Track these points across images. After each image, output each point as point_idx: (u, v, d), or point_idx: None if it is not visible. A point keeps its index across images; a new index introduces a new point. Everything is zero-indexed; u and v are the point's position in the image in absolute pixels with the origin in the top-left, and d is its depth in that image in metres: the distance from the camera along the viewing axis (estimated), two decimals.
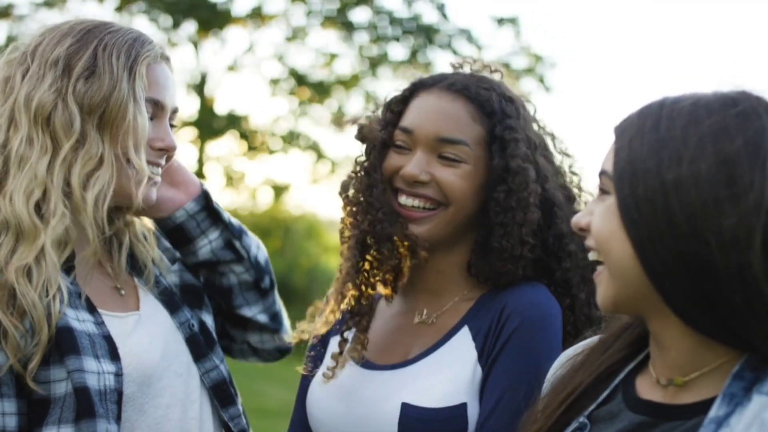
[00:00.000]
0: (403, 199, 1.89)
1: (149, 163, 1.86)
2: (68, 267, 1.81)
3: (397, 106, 1.97)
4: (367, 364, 1.93)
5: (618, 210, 1.38)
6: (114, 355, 1.77)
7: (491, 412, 1.77)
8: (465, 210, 1.88)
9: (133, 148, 1.81)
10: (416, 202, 1.89)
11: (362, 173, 1.98)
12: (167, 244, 2.08)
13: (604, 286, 1.44)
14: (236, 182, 12.48)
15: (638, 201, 1.36)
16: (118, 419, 1.74)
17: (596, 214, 1.43)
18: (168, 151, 1.89)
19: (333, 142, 16.87)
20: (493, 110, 1.90)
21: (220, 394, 1.95)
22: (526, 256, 1.88)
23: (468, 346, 1.85)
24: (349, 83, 11.45)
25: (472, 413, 1.79)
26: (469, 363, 1.83)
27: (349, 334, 1.99)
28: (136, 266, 1.97)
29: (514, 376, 1.77)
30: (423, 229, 1.88)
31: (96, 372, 1.72)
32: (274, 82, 11.60)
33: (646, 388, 1.46)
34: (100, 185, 1.78)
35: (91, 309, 1.81)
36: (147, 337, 1.86)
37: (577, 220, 1.49)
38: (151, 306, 1.93)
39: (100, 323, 1.79)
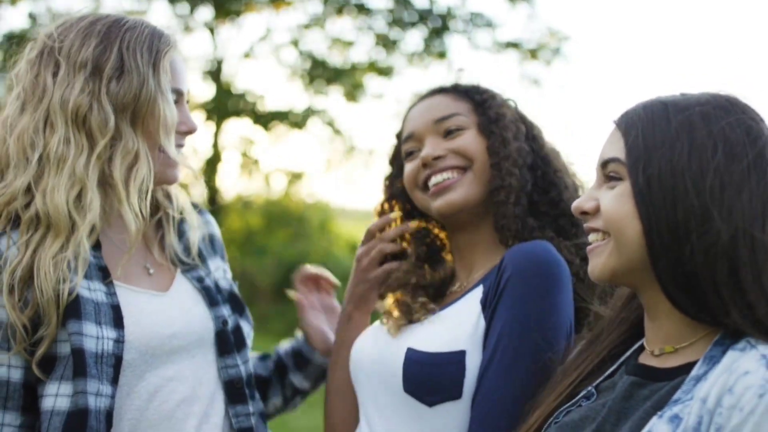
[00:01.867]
0: (433, 179, 2.07)
1: (177, 146, 2.02)
2: (95, 243, 1.93)
3: (400, 130, 2.22)
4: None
5: (633, 193, 1.53)
6: (118, 322, 1.88)
7: (490, 359, 1.84)
8: (485, 164, 2.07)
9: (165, 138, 1.94)
10: (445, 175, 2.07)
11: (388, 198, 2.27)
12: (225, 266, 2.24)
13: (605, 257, 1.59)
14: (251, 168, 12.50)
15: (651, 185, 1.51)
16: (113, 381, 1.85)
17: (607, 198, 1.58)
18: (191, 132, 2.05)
19: (349, 121, 16.89)
20: (467, 88, 2.16)
21: (233, 390, 2.04)
22: (514, 186, 2.05)
23: (476, 300, 1.95)
24: (365, 69, 11.44)
25: (471, 361, 1.88)
26: (473, 314, 1.93)
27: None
28: (182, 252, 2.11)
29: (509, 324, 1.84)
30: (458, 193, 2.06)
31: (95, 336, 1.84)
32: (291, 67, 11.60)
33: (644, 358, 1.63)
34: (141, 177, 1.92)
35: (107, 280, 1.92)
36: (161, 315, 1.96)
37: (580, 204, 1.64)
38: (182, 292, 2.05)
39: (111, 293, 1.91)
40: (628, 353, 1.67)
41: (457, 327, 1.91)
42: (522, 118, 2.17)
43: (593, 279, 1.64)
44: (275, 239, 13.34)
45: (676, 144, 1.51)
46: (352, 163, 12.59)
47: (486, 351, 1.86)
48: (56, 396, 1.82)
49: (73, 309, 1.83)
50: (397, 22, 10.85)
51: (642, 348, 1.65)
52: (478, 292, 1.95)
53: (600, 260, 1.60)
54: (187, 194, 2.20)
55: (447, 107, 2.12)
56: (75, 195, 1.88)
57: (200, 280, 2.08)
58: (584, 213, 1.63)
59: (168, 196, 2.14)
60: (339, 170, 12.78)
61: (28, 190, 1.88)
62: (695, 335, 1.54)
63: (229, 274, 2.23)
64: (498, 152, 2.07)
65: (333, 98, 11.85)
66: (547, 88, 11.30)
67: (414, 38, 10.96)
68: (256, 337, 2.22)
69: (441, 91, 2.17)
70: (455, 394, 1.87)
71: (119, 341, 1.86)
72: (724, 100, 1.55)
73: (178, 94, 2.01)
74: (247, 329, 2.13)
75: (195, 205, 2.22)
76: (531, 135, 2.15)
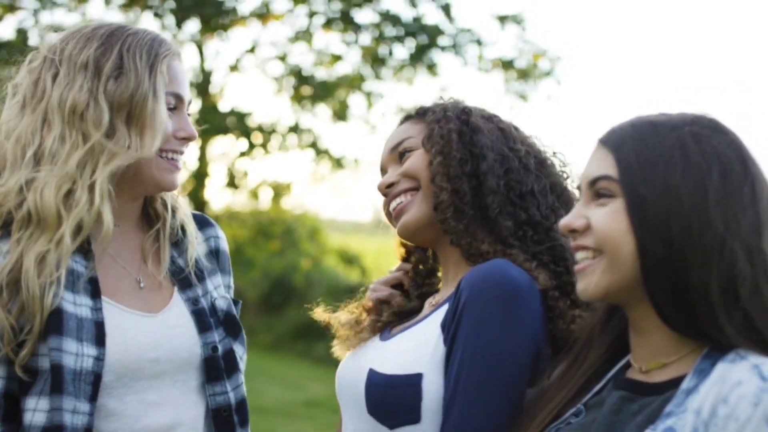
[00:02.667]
0: (391, 206, 2.08)
1: (173, 151, 2.05)
2: (87, 251, 1.95)
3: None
4: (383, 335, 2.07)
5: (627, 210, 1.55)
6: (100, 340, 1.89)
7: (454, 389, 1.79)
8: (430, 181, 2.01)
9: (151, 139, 1.97)
10: (398, 200, 2.06)
11: None
12: (229, 281, 2.23)
13: (598, 276, 1.59)
14: (238, 181, 12.48)
15: (647, 202, 1.53)
16: (91, 399, 1.86)
17: (599, 216, 1.58)
18: (190, 139, 2.06)
19: (335, 139, 16.91)
20: (426, 110, 2.12)
21: (220, 419, 2.04)
22: (445, 200, 1.97)
23: (438, 321, 1.91)
24: (351, 83, 11.45)
25: (428, 385, 1.83)
26: (433, 336, 1.88)
27: None
28: (177, 268, 2.10)
29: (469, 351, 1.78)
30: (409, 214, 2.04)
31: (74, 353, 1.85)
32: (277, 80, 11.61)
33: (631, 374, 1.64)
34: (116, 165, 1.93)
35: (95, 295, 1.92)
36: (146, 338, 1.95)
37: (569, 222, 1.63)
38: (173, 315, 2.03)
39: (97, 309, 1.92)
40: (614, 369, 1.68)
41: (417, 349, 1.88)
42: (483, 121, 2.06)
43: (584, 298, 1.63)
44: (263, 251, 13.32)
45: (671, 162, 1.53)
46: (339, 175, 12.58)
47: (449, 380, 1.81)
48: (34, 411, 1.83)
49: (56, 323, 1.84)
50: (384, 37, 10.88)
51: (628, 363, 1.66)
52: (442, 313, 1.92)
53: (593, 279, 1.59)
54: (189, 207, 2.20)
55: (402, 133, 2.11)
56: (65, 192, 1.90)
57: (195, 301, 2.06)
58: (573, 231, 1.63)
59: (168, 208, 2.14)
60: (325, 183, 12.78)
61: (22, 189, 1.90)
62: (683, 350, 1.56)
63: (232, 291, 2.21)
64: (432, 167, 2.01)
65: (319, 116, 11.82)
66: (535, 100, 11.30)
67: (401, 53, 11.00)
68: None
69: (406, 118, 2.16)
70: (414, 418, 1.83)
71: (99, 359, 1.87)
72: (708, 121, 1.58)
73: (177, 99, 2.04)
74: (241, 352, 2.11)
75: (204, 218, 2.23)
76: (495, 137, 2.04)
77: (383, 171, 2.14)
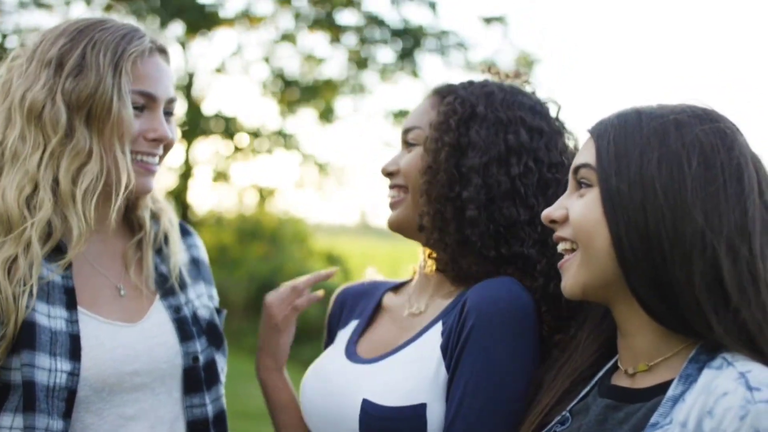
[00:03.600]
0: (388, 194, 1.99)
1: (144, 153, 1.94)
2: (62, 259, 1.85)
3: None
4: (353, 357, 1.95)
5: (601, 200, 1.50)
6: (75, 355, 1.80)
7: (454, 417, 1.72)
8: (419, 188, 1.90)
9: (118, 142, 1.87)
10: (392, 193, 1.97)
11: None
12: (211, 291, 2.16)
13: (574, 272, 1.55)
14: (224, 183, 12.44)
15: (621, 192, 1.47)
16: (65, 416, 1.78)
17: (577, 205, 1.54)
18: (161, 140, 1.95)
19: (320, 142, 16.87)
20: (447, 92, 1.95)
21: (196, 431, 1.96)
22: (427, 225, 1.88)
23: (435, 343, 1.82)
24: (336, 86, 11.44)
25: (432, 414, 1.75)
26: (433, 361, 1.79)
27: (351, 326, 2.05)
28: (159, 276, 2.03)
29: (474, 378, 1.72)
30: (395, 213, 1.96)
31: (47, 369, 1.77)
32: (263, 84, 11.59)
33: (616, 379, 1.57)
34: (89, 179, 1.85)
35: (70, 306, 1.84)
36: (124, 350, 1.87)
37: (549, 213, 1.60)
38: (154, 324, 1.95)
39: (73, 321, 1.83)
40: (600, 373, 1.63)
41: (417, 376, 1.78)
42: (494, 125, 1.89)
43: (566, 296, 1.59)
44: (248, 255, 13.27)
45: (646, 150, 1.47)
46: (325, 179, 12.57)
47: (450, 405, 1.74)
48: (10, 429, 1.77)
49: (28, 337, 1.76)
50: (368, 39, 10.87)
51: (614, 367, 1.61)
52: (436, 333, 1.83)
53: (570, 274, 1.56)
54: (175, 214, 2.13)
55: (417, 117, 1.97)
56: (27, 194, 1.83)
57: (177, 309, 1.98)
58: (553, 222, 1.60)
59: (154, 216, 2.07)
60: (311, 187, 12.76)
61: None
62: (670, 350, 1.50)
63: (215, 301, 2.13)
64: (421, 184, 1.89)
65: (304, 119, 11.80)
66: None
67: (386, 56, 10.99)
68: (230, 354, 2.14)
69: (436, 92, 1.99)
70: None
71: (74, 374, 1.79)
72: (699, 110, 1.52)
73: (147, 98, 1.93)
74: (222, 363, 2.03)
75: (183, 226, 2.15)
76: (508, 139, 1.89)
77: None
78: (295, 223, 14.38)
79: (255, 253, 13.36)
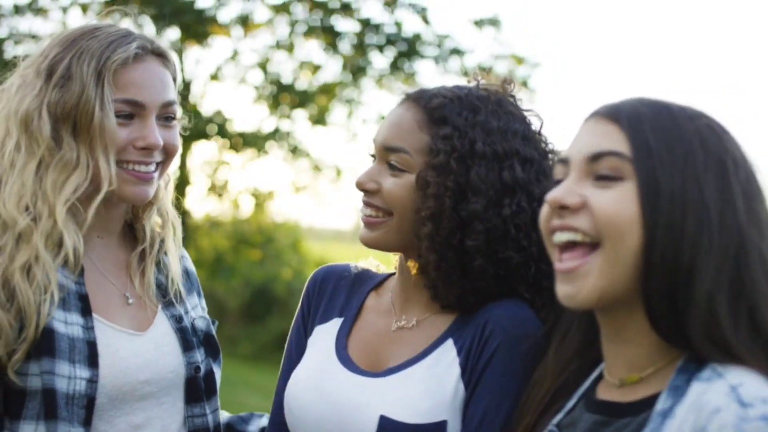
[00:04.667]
0: (361, 208, 1.90)
1: (134, 162, 1.91)
2: (74, 266, 1.86)
3: None
4: (351, 366, 1.90)
5: (639, 196, 1.37)
6: (93, 361, 1.81)
7: (476, 430, 1.73)
8: (409, 220, 1.84)
9: (102, 152, 1.86)
10: (367, 211, 1.88)
11: None
12: (202, 302, 2.14)
13: (595, 276, 1.41)
14: (219, 189, 12.43)
15: (666, 190, 1.36)
16: (85, 423, 1.78)
17: (604, 197, 1.39)
18: (150, 148, 1.91)
19: (314, 143, 16.87)
20: (440, 117, 1.85)
21: None
22: (431, 273, 1.82)
23: (451, 361, 1.81)
24: (331, 91, 11.46)
25: (452, 431, 1.76)
26: (451, 379, 1.79)
27: (333, 324, 1.99)
28: (161, 288, 2.02)
29: (497, 396, 1.73)
30: (371, 236, 1.89)
31: (67, 376, 1.77)
32: (258, 89, 11.62)
33: (603, 391, 1.49)
34: (71, 189, 1.85)
35: (86, 312, 1.84)
36: (136, 359, 1.88)
37: (560, 198, 1.43)
38: (159, 333, 1.95)
39: (89, 328, 1.84)
40: (586, 384, 1.56)
41: (436, 393, 1.77)
42: (470, 189, 1.82)
43: (574, 305, 1.45)
44: (244, 260, 13.26)
45: (692, 150, 1.38)
46: (320, 183, 12.56)
47: (470, 422, 1.73)
48: None
49: (47, 344, 1.77)
50: (364, 46, 10.88)
51: (599, 377, 1.54)
52: (448, 351, 1.82)
53: (587, 280, 1.41)
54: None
55: (400, 136, 1.86)
56: (25, 204, 1.83)
57: (179, 319, 1.99)
58: (563, 207, 1.43)
59: (159, 226, 2.06)
60: (306, 191, 12.74)
61: None
62: (664, 360, 1.43)
63: (205, 312, 2.14)
64: (418, 226, 1.83)
65: (299, 121, 11.80)
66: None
67: (381, 62, 11.00)
68: (224, 361, 2.17)
69: (418, 102, 1.88)
70: None
71: (93, 381, 1.80)
72: (714, 118, 1.45)
73: (134, 106, 1.90)
74: (218, 374, 2.05)
75: None
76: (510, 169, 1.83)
77: (374, 151, 1.91)
78: (290, 228, 14.37)
79: (249, 258, 13.35)
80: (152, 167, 1.95)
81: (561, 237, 1.44)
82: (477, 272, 1.80)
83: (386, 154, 1.87)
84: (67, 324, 1.81)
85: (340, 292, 2.05)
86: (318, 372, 1.91)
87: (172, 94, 1.98)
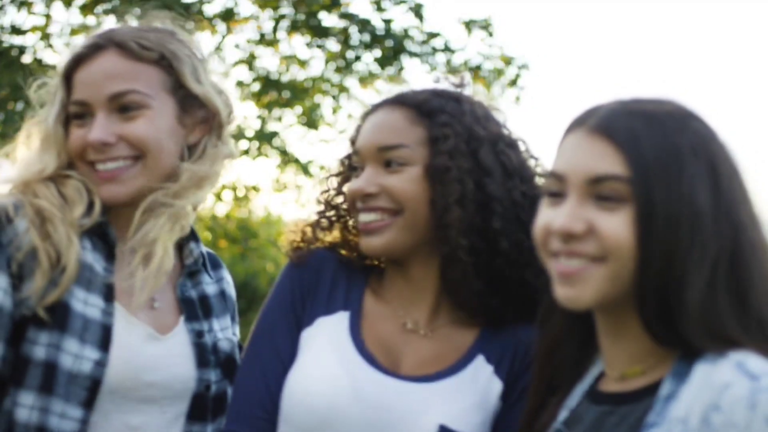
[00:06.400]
0: (362, 217, 1.86)
1: (97, 161, 1.91)
2: (110, 254, 1.88)
3: (353, 136, 1.97)
4: (381, 367, 1.85)
5: (636, 219, 1.40)
6: (104, 345, 1.80)
7: None
8: (420, 214, 1.84)
9: (43, 152, 1.95)
10: (372, 216, 1.85)
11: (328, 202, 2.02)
12: (236, 329, 2.14)
13: (599, 283, 1.43)
14: None
15: (657, 212, 1.38)
16: (85, 405, 1.76)
17: (610, 224, 1.41)
18: (93, 145, 1.90)
19: (302, 145, 16.79)
20: (431, 109, 1.85)
21: None
22: (464, 260, 1.82)
23: (488, 377, 1.82)
24: (317, 88, 11.40)
25: None
26: (493, 396, 1.81)
27: (340, 318, 1.93)
28: (187, 298, 2.01)
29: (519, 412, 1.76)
30: (383, 239, 1.85)
31: (73, 354, 1.76)
32: (242, 85, 11.55)
33: (606, 384, 1.54)
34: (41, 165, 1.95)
35: (108, 298, 1.84)
36: (148, 359, 1.86)
37: (569, 225, 1.44)
38: (177, 342, 1.94)
39: (109, 313, 1.82)
40: (588, 381, 1.58)
41: (483, 407, 1.81)
42: (485, 173, 1.85)
43: (571, 307, 1.49)
44: (224, 255, 13.20)
45: (686, 164, 1.40)
46: (305, 182, 12.51)
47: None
48: (30, 408, 1.76)
49: (60, 319, 1.76)
50: (351, 43, 10.83)
51: (600, 373, 1.58)
52: (482, 369, 1.83)
53: (592, 288, 1.45)
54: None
55: (396, 134, 1.86)
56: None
57: (199, 334, 1.96)
58: (570, 236, 1.45)
59: (194, 238, 2.06)
60: (290, 190, 12.69)
61: None
62: (663, 352, 1.47)
63: (237, 338, 2.09)
64: (441, 214, 1.81)
65: (286, 122, 11.73)
66: (502, 107, 11.26)
67: (368, 59, 10.95)
68: None
69: (401, 103, 1.90)
70: None
71: (101, 364, 1.78)
72: (699, 117, 1.47)
73: (82, 106, 1.92)
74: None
75: (215, 258, 2.14)
76: (507, 173, 1.88)
77: (361, 159, 1.90)
78: (272, 224, 14.30)
79: (232, 253, 13.28)
80: (114, 164, 1.92)
81: (567, 263, 1.46)
82: (504, 255, 1.80)
83: (381, 154, 1.85)
84: (87, 304, 1.80)
85: (340, 283, 1.98)
86: (342, 371, 1.84)
87: (124, 84, 1.90)
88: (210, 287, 2.08)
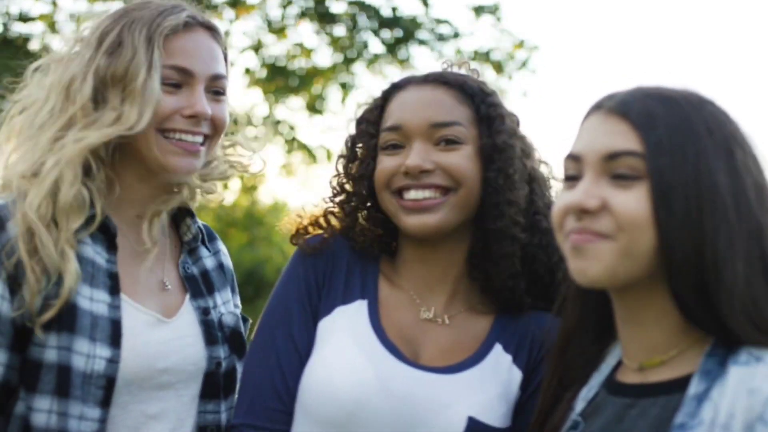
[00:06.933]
0: (412, 194, 1.83)
1: (180, 131, 1.89)
2: (111, 243, 1.83)
3: (373, 114, 1.91)
4: (405, 359, 1.83)
5: (652, 197, 1.37)
6: (115, 341, 1.77)
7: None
8: (474, 192, 1.84)
9: (138, 116, 1.84)
10: (426, 193, 1.83)
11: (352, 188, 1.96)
12: (237, 299, 2.12)
13: (609, 260, 1.40)
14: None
15: (676, 192, 1.35)
16: (103, 404, 1.74)
17: (624, 200, 1.39)
18: (197, 117, 1.88)
19: (309, 131, 16.77)
20: (474, 91, 1.86)
21: None
22: (519, 237, 1.83)
23: (509, 367, 1.81)
24: (326, 74, 11.38)
25: None
26: (514, 386, 1.81)
27: (359, 307, 1.90)
28: (190, 275, 1.99)
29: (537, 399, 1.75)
30: (437, 217, 1.82)
31: (86, 354, 1.73)
32: (249, 72, 11.54)
33: (624, 374, 1.50)
34: (97, 137, 1.83)
35: (114, 291, 1.80)
36: (159, 346, 1.84)
37: (582, 202, 1.42)
38: (185, 323, 1.92)
39: (116, 307, 1.80)
40: (606, 371, 1.55)
41: (506, 398, 1.81)
42: (527, 155, 1.91)
43: (583, 281, 1.46)
44: (231, 243, 13.22)
45: (703, 145, 1.38)
46: (313, 168, 12.50)
47: (523, 424, 1.76)
48: (48, 412, 1.72)
49: (68, 320, 1.73)
50: (359, 29, 10.80)
51: (617, 363, 1.54)
52: (502, 356, 1.83)
53: (600, 261, 1.42)
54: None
55: (448, 111, 1.85)
56: (34, 170, 1.82)
57: (205, 311, 1.94)
58: (584, 212, 1.43)
59: (191, 214, 2.04)
60: (298, 176, 12.69)
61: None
62: (682, 344, 1.44)
63: (239, 309, 2.08)
64: (501, 191, 1.82)
65: (294, 108, 11.71)
66: (511, 96, 11.22)
67: (376, 47, 10.92)
68: None
69: (443, 82, 1.88)
70: None
71: (114, 361, 1.76)
72: (715, 102, 1.46)
73: (183, 74, 1.89)
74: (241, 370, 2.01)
75: (209, 231, 2.12)
76: (531, 177, 1.92)
77: (404, 135, 1.85)
78: (280, 210, 14.31)
79: (240, 241, 13.30)
80: (199, 138, 1.92)
81: (579, 239, 1.43)
82: (543, 234, 1.84)
83: (434, 131, 1.83)
84: (93, 301, 1.77)
85: (355, 271, 1.95)
86: (367, 362, 1.81)
87: (222, 68, 1.95)
88: (209, 261, 2.07)
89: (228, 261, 2.18)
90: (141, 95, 1.83)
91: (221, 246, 2.18)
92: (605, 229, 1.41)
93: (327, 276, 1.93)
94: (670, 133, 1.39)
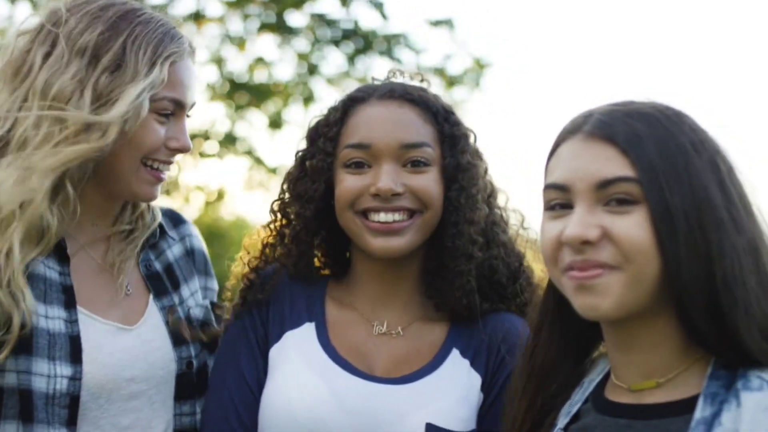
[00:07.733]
0: (382, 216, 1.80)
1: (160, 161, 1.85)
2: (62, 255, 1.76)
3: (331, 130, 1.87)
4: (358, 373, 1.83)
5: (652, 221, 1.33)
6: (75, 358, 1.71)
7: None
8: (438, 213, 1.84)
9: (136, 148, 1.79)
10: (396, 216, 1.81)
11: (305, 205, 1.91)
12: (208, 282, 2.07)
13: (619, 292, 1.36)
14: (170, 187, 12.26)
15: (675, 213, 1.33)
16: (68, 423, 1.68)
17: (625, 226, 1.35)
18: (182, 150, 1.88)
19: (270, 148, 16.71)
20: (437, 109, 1.86)
21: None
22: (476, 256, 1.82)
23: (467, 371, 1.81)
24: (286, 89, 11.36)
25: None
26: (473, 389, 1.81)
27: (308, 329, 1.89)
28: (153, 273, 1.92)
29: (500, 401, 1.78)
30: (404, 240, 1.82)
31: (46, 375, 1.67)
32: (211, 87, 11.47)
33: (614, 393, 1.46)
34: (73, 153, 1.74)
35: (69, 305, 1.74)
36: (123, 355, 1.78)
37: (582, 234, 1.37)
38: (150, 326, 1.85)
39: (73, 321, 1.73)
40: (590, 388, 1.52)
41: (466, 402, 1.81)
42: (487, 172, 1.95)
43: (593, 317, 1.42)
44: None
45: (691, 160, 1.36)
46: (274, 183, 12.45)
47: (486, 425, 1.78)
48: None
49: (25, 342, 1.67)
50: (319, 41, 10.80)
51: (604, 380, 1.51)
52: (459, 363, 1.82)
53: (612, 296, 1.37)
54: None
55: (417, 131, 1.84)
56: (26, 188, 1.73)
57: (171, 310, 1.90)
58: (585, 243, 1.39)
59: (149, 210, 1.99)
60: (260, 190, 12.63)
61: None
62: (683, 365, 1.41)
63: (213, 293, 2.03)
64: (461, 211, 1.82)
65: (254, 124, 11.66)
66: (474, 113, 11.27)
67: (336, 59, 10.93)
68: None
69: (409, 100, 1.86)
70: None
71: (75, 378, 1.70)
72: (688, 114, 1.45)
73: (176, 105, 1.84)
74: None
75: (176, 215, 2.05)
76: (490, 194, 1.96)
77: (372, 155, 1.82)
78: (241, 225, 14.21)
79: None
80: (168, 168, 1.91)
81: (583, 272, 1.39)
82: (500, 247, 1.86)
83: (405, 152, 1.81)
84: (48, 318, 1.71)
85: (298, 295, 1.95)
86: (319, 379, 1.80)
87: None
88: (174, 250, 2.01)
89: (199, 243, 2.11)
90: (144, 131, 1.80)
91: (191, 229, 2.12)
92: (610, 260, 1.37)
93: (273, 302, 1.95)
94: (660, 153, 1.36)
